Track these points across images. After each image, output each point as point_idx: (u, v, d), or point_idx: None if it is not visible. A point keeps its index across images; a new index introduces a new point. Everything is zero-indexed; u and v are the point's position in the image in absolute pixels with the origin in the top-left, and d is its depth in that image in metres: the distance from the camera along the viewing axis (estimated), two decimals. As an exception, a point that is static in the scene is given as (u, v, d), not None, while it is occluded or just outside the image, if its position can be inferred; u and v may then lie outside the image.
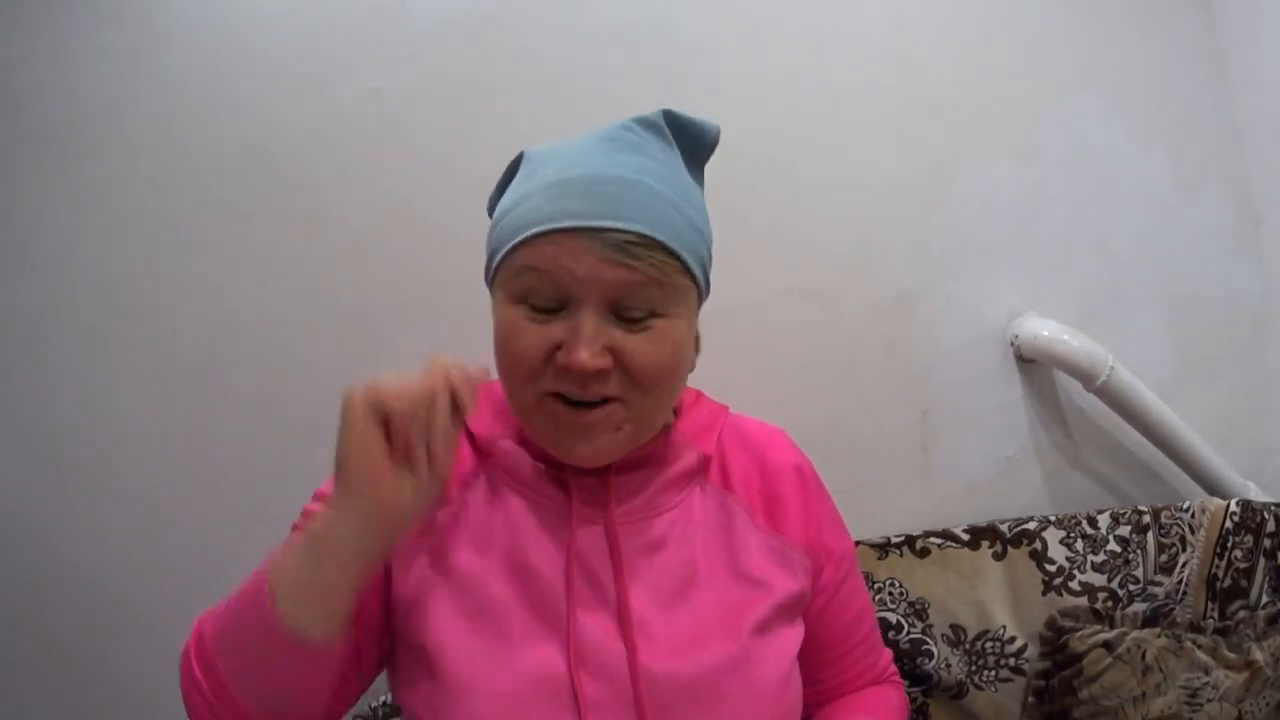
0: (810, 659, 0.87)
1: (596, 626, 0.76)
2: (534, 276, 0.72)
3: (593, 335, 0.70)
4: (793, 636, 0.82)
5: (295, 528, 0.82)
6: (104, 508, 1.39)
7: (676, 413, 0.87)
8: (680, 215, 0.74)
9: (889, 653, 0.94)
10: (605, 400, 0.73)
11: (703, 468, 0.83)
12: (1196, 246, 1.28)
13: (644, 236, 0.71)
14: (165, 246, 1.22)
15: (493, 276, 0.77)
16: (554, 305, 0.72)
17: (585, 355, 0.70)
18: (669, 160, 0.77)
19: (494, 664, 0.74)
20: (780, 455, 0.87)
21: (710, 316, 1.14)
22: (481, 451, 0.82)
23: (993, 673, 1.19)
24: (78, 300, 1.25)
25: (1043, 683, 1.21)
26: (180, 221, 1.19)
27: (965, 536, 1.17)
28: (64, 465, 1.37)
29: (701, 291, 0.79)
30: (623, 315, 0.72)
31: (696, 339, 0.83)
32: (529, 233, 0.72)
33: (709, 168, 0.81)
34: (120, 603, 1.45)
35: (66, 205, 1.21)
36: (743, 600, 0.79)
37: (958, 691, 1.19)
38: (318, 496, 0.83)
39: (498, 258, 0.75)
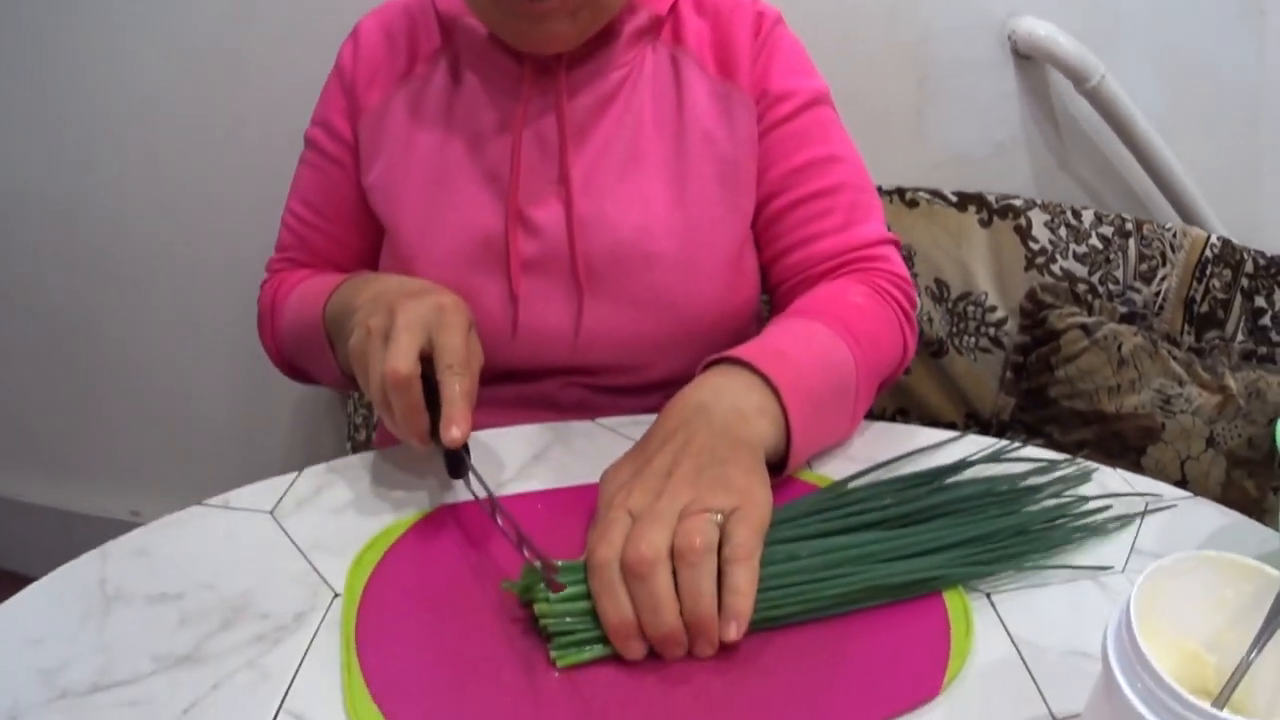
0: (756, 222, 0.82)
1: (539, 187, 0.77)
2: None
3: None
4: (741, 207, 0.80)
5: (303, 160, 0.87)
6: (123, 183, 1.40)
7: None
8: None
9: (874, 232, 0.81)
10: None
11: (654, 27, 0.80)
12: (1198, 23, 1.31)
13: None
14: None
15: None
16: None
17: None
18: None
19: (438, 229, 0.78)
20: (739, 6, 0.82)
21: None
22: (446, 29, 0.82)
23: (973, 339, 1.19)
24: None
25: (1021, 358, 1.21)
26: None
27: (954, 199, 1.18)
28: (85, 139, 1.39)
29: None
30: None
31: None
32: None
33: None
34: (134, 275, 1.45)
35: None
36: (689, 159, 0.78)
37: (938, 349, 1.19)
38: (316, 121, 0.85)
39: None
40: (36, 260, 1.42)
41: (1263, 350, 1.28)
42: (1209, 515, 0.67)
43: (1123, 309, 1.24)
